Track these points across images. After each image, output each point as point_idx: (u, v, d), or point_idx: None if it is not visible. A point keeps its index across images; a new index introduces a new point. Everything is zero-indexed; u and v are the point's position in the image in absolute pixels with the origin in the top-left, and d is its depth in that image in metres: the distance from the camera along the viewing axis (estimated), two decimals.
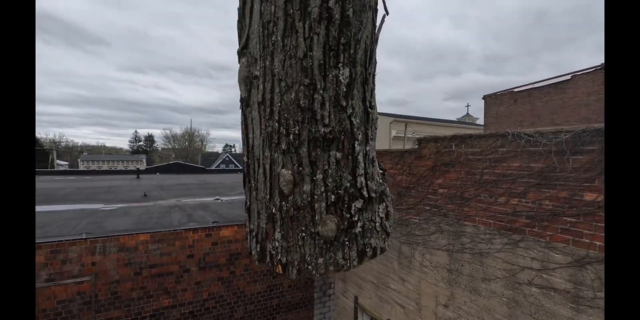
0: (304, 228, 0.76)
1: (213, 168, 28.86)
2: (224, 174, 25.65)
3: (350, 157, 0.76)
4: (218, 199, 11.82)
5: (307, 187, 0.75)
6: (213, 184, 16.52)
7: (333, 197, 0.75)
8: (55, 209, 9.30)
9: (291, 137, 0.75)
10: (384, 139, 18.64)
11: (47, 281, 5.24)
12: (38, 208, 9.28)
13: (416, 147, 5.33)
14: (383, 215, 0.84)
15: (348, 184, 0.76)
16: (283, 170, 0.76)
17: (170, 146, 67.41)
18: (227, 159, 55.55)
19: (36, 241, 5.31)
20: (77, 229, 6.33)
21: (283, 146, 0.76)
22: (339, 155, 0.75)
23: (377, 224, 0.83)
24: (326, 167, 0.75)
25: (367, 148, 0.80)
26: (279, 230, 0.81)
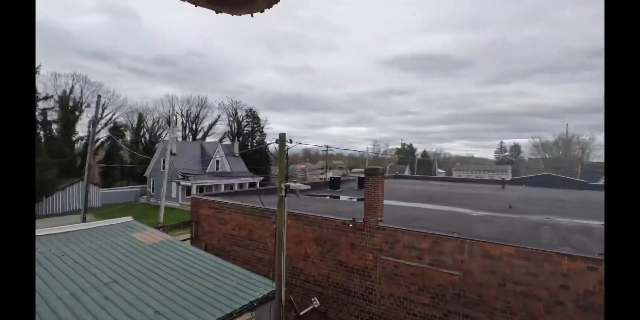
0: None
1: (599, 183, 22.08)
2: None
3: None
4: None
5: None
6: (598, 204, 12.72)
7: None
8: (434, 208, 11.53)
9: None
10: None
11: (429, 264, 6.60)
12: (423, 205, 11.95)
13: None
14: None
15: None
16: None
17: (539, 156, 60.80)
18: None
19: (422, 231, 6.87)
20: (450, 228, 7.41)
21: None
22: None
23: None
24: None
25: None
26: None
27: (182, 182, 30.88)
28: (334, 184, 17.43)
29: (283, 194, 5.47)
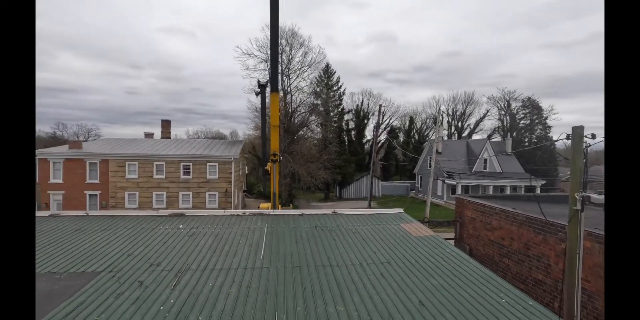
0: None
1: None
2: None
3: None
4: None
5: None
6: None
7: None
8: None
9: None
10: None
11: None
12: None
13: None
14: None
15: None
16: None
17: None
18: None
19: None
20: None
21: None
22: None
23: None
24: None
25: None
26: None
27: (447, 181, 31.17)
28: None
29: (578, 207, 4.09)
